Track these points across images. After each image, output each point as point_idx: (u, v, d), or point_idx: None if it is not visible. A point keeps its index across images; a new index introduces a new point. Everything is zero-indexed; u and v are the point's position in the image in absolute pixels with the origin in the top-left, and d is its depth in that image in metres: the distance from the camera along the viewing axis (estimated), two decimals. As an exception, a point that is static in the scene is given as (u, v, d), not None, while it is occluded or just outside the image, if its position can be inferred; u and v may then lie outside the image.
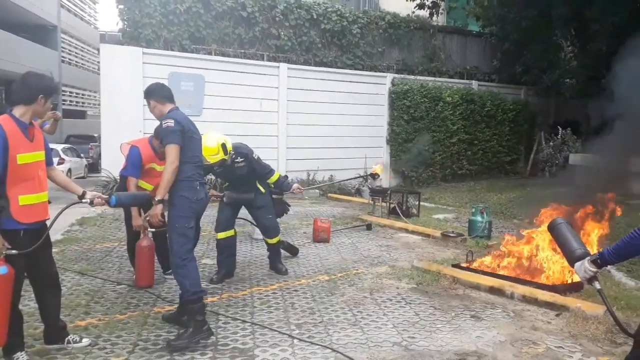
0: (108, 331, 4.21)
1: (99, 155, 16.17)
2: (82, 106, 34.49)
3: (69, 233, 7.91)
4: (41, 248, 3.52)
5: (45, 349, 3.83)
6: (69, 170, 17.08)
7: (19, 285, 3.48)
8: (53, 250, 3.96)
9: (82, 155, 20.01)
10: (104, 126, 11.67)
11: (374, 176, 8.66)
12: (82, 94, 34.36)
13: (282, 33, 14.15)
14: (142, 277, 5.34)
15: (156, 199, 4.00)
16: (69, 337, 3.87)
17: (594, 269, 2.72)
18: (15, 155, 3.32)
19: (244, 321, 4.51)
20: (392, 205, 9.76)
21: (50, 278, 3.77)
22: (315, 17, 14.54)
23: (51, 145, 3.87)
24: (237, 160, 5.55)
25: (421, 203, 10.23)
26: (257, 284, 5.62)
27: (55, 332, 3.84)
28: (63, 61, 29.84)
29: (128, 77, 11.53)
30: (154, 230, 5.26)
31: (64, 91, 29.53)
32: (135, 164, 5.24)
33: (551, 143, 14.97)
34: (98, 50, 15.23)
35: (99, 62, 13.52)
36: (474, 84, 17.10)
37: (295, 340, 4.12)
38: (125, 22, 12.55)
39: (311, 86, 13.87)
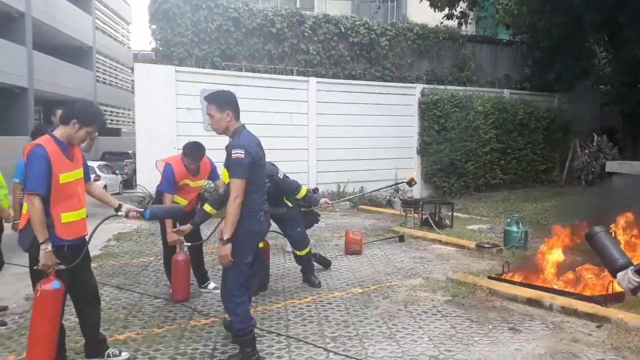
0: (146, 345, 4.27)
1: (134, 171, 16.52)
2: (117, 124, 35.36)
3: (106, 248, 8.10)
4: (81, 262, 3.62)
5: (86, 362, 3.91)
6: (105, 186, 17.46)
7: (64, 300, 3.58)
8: (91, 265, 4.06)
9: (117, 171, 20.44)
10: (138, 143, 11.92)
11: (410, 183, 8.36)
12: (117, 112, 35.29)
13: (311, 47, 14.30)
14: (179, 291, 5.42)
15: (224, 239, 3.77)
16: (109, 350, 3.94)
17: (639, 279, 2.64)
18: (58, 175, 3.44)
19: (278, 334, 4.53)
20: (424, 216, 9.67)
21: (90, 292, 3.86)
22: (343, 30, 14.65)
23: (87, 163, 3.99)
24: None
25: (454, 214, 10.11)
26: (290, 297, 5.63)
27: (95, 346, 3.91)
28: (98, 80, 30.67)
29: (161, 94, 11.79)
30: (189, 244, 5.34)
31: (99, 109, 30.28)
32: (169, 181, 5.36)
33: (586, 151, 14.65)
34: (131, 69, 15.61)
35: (132, 81, 13.85)
36: (506, 92, 16.91)
37: (330, 354, 4.11)
38: (158, 42, 12.89)
39: (340, 99, 13.93)
